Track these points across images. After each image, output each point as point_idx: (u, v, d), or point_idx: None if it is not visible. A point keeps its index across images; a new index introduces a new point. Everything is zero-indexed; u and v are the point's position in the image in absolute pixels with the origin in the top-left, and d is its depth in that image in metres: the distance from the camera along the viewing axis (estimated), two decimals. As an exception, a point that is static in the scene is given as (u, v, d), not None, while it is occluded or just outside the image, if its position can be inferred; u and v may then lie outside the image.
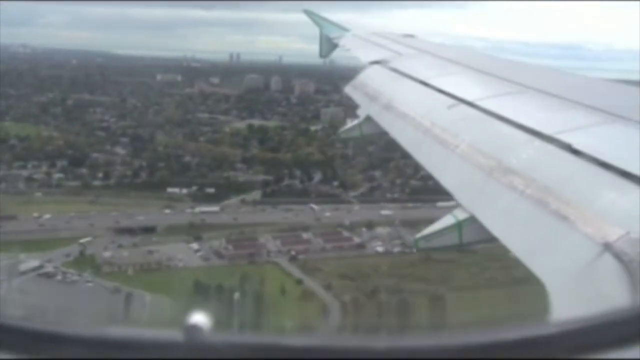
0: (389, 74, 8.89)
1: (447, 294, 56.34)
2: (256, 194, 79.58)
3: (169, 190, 77.77)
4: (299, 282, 56.73)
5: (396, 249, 66.44)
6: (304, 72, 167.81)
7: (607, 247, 3.06)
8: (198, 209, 70.22)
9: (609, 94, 6.06)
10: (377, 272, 59.84)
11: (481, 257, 66.85)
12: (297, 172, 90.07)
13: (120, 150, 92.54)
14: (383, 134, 7.52)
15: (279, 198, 79.29)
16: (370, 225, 71.88)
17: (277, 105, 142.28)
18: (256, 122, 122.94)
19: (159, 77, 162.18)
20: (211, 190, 78.94)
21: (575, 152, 4.17)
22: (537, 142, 4.60)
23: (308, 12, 16.37)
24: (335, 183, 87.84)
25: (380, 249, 66.17)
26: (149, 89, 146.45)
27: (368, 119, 8.15)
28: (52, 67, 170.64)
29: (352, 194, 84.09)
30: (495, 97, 6.11)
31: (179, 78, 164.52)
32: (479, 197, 4.59)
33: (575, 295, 3.10)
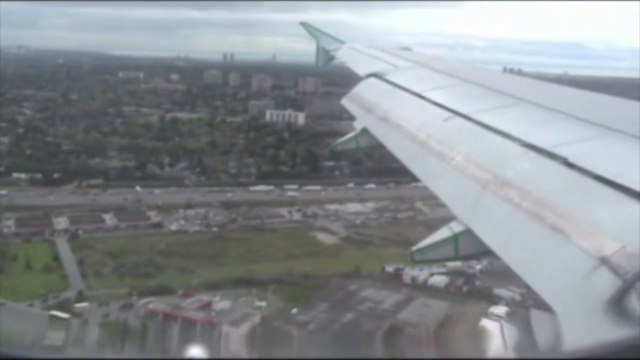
0: (385, 87, 8.87)
1: (196, 269, 56.22)
2: (98, 179, 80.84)
3: (14, 175, 80.00)
4: (56, 258, 57.58)
5: (194, 229, 66.86)
6: (294, 69, 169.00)
7: (604, 260, 3.08)
8: None
9: (603, 107, 6.10)
10: (150, 249, 60.10)
11: (278, 236, 66.53)
12: (166, 159, 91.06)
13: (5, 139, 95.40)
14: (379, 146, 7.50)
15: (120, 182, 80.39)
16: (188, 206, 72.35)
17: (220, 99, 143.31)
18: (180, 114, 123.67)
19: (120, 74, 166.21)
20: (57, 175, 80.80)
21: (571, 165, 4.17)
22: (533, 155, 4.60)
23: (305, 25, 16.60)
24: (198, 169, 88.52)
25: (174, 227, 66.55)
26: (103, 85, 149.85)
27: (364, 131, 8.18)
28: (30, 67, 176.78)
29: (202, 178, 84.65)
30: (490, 110, 6.14)
31: (141, 75, 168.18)
32: (475, 210, 4.58)
33: (572, 310, 3.06)
